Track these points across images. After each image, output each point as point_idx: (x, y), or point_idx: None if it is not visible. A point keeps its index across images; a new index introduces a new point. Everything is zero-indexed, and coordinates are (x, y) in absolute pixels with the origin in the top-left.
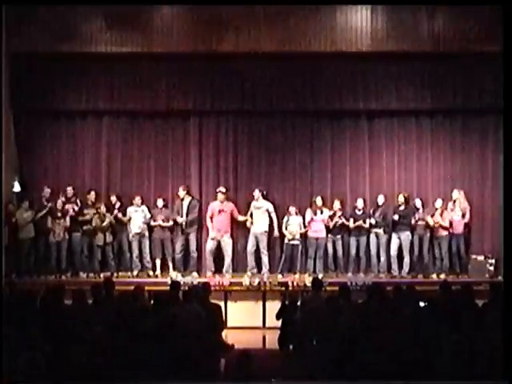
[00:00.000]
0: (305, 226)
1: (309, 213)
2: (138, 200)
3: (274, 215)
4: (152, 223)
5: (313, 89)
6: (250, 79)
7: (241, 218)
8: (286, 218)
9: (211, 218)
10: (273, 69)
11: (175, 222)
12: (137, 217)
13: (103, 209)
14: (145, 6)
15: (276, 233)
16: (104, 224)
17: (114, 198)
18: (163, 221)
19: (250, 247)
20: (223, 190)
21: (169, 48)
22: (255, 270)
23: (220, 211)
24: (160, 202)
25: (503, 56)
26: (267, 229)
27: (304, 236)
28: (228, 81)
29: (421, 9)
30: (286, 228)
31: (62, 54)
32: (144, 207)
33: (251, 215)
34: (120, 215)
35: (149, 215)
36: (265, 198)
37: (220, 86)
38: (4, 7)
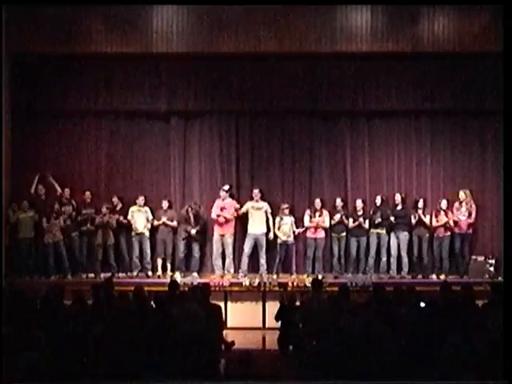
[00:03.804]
0: (297, 227)
1: (308, 213)
2: (141, 200)
3: (270, 216)
4: (155, 223)
5: (312, 89)
6: (249, 79)
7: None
8: (278, 218)
9: (218, 215)
10: (273, 69)
11: (179, 223)
12: (139, 217)
13: (105, 210)
14: (144, 7)
15: (271, 235)
16: (109, 226)
17: (115, 200)
18: (169, 220)
19: (247, 249)
20: (226, 187)
21: (169, 48)
22: (246, 273)
23: (222, 209)
24: (165, 204)
25: (503, 56)
26: (266, 230)
27: (304, 237)
28: (228, 81)
29: (420, 9)
30: (279, 228)
31: (62, 54)
32: (147, 208)
33: (246, 215)
34: (121, 218)
35: (151, 216)
36: (262, 198)
37: (220, 86)
38: (4, 7)
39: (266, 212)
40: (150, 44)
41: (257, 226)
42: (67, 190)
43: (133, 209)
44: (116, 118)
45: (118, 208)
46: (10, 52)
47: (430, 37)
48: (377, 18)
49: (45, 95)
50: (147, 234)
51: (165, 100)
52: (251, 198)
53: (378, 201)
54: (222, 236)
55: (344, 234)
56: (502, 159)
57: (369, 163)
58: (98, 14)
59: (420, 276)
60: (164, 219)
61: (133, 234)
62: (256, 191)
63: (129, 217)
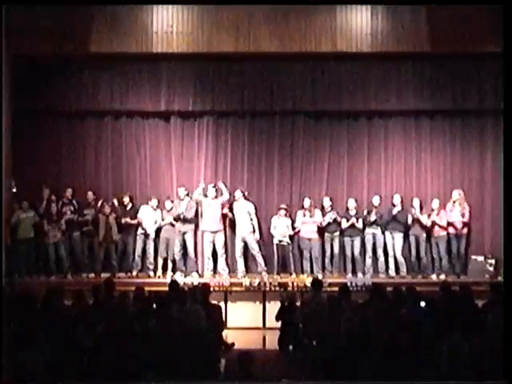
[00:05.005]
0: (293, 228)
1: (300, 214)
2: (154, 201)
3: (254, 217)
4: (162, 223)
5: (312, 89)
6: (250, 79)
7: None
8: (275, 218)
9: (201, 214)
10: (273, 69)
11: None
12: (150, 218)
13: (107, 210)
14: (144, 7)
15: (257, 235)
16: (112, 229)
17: (126, 199)
18: (175, 220)
19: (238, 250)
20: (212, 186)
21: (169, 48)
22: (245, 273)
23: (208, 205)
24: (168, 204)
25: (503, 56)
26: (252, 230)
27: (297, 237)
28: (228, 81)
29: (420, 9)
30: (275, 228)
31: (62, 54)
32: (158, 210)
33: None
34: (129, 219)
35: (160, 220)
36: (246, 198)
37: (220, 86)
38: (4, 7)
39: (249, 213)
40: (150, 44)
41: (242, 227)
42: (69, 190)
43: (144, 209)
44: (116, 118)
45: (129, 208)
46: (10, 52)
47: (430, 37)
48: (377, 18)
49: (45, 95)
50: (153, 234)
51: (165, 100)
52: (246, 198)
53: (376, 201)
54: (213, 235)
55: (337, 233)
56: (502, 159)
57: (368, 163)
58: (98, 14)
59: (420, 276)
60: (169, 219)
61: (138, 232)
62: (237, 192)
63: (139, 215)
